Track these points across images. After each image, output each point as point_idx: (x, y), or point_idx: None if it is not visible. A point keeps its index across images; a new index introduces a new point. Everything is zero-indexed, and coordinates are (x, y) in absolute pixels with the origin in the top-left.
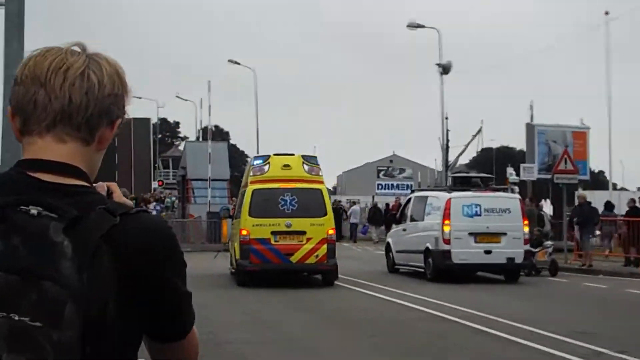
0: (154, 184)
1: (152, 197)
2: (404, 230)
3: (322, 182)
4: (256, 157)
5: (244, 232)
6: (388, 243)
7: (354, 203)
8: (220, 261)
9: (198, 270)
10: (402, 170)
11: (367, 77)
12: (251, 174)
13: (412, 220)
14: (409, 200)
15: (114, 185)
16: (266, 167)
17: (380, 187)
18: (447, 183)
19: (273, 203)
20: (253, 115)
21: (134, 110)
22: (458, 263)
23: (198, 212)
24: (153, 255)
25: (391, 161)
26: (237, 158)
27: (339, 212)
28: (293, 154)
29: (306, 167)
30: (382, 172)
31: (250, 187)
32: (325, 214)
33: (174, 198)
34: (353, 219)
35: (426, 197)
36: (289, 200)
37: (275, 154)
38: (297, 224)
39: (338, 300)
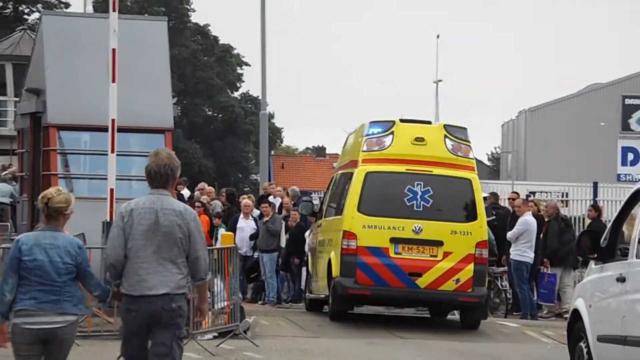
0: None
1: None
2: (621, 279)
3: (473, 169)
4: (373, 123)
5: (349, 236)
6: (576, 313)
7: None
8: None
9: None
10: None
11: None
12: (364, 147)
13: None
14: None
15: None
16: (388, 140)
17: (627, 159)
18: None
19: (396, 196)
20: None
21: None
22: None
23: (75, 226)
24: None
25: None
26: (223, 71)
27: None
28: (430, 122)
29: (450, 143)
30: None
31: (363, 169)
32: (475, 218)
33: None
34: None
35: None
36: (420, 194)
37: (402, 120)
38: (431, 229)
39: None
